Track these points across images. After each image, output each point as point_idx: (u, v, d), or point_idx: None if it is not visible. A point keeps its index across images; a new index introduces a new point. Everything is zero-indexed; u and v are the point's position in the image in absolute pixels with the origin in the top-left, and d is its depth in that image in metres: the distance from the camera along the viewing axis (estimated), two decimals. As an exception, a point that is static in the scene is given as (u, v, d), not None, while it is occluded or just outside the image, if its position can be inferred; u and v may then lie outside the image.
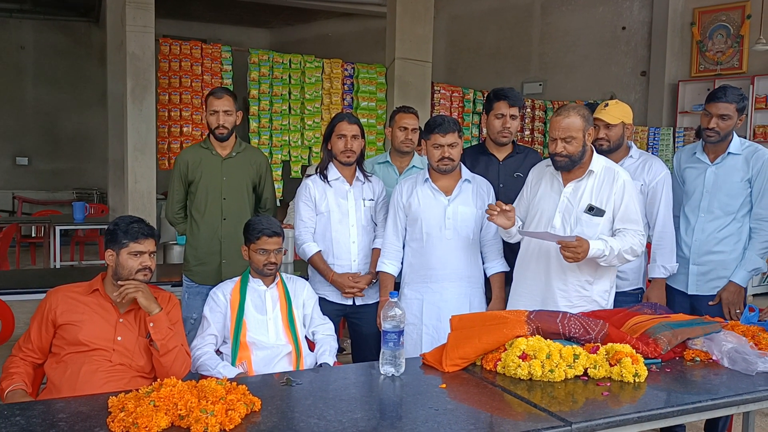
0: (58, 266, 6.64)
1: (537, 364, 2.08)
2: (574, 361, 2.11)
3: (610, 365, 2.12)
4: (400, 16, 6.89)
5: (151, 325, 2.39)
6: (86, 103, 10.40)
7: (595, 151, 2.78)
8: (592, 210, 2.69)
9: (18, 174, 10.66)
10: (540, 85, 9.62)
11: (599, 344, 2.22)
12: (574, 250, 2.55)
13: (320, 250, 3.14)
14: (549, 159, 2.80)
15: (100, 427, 1.69)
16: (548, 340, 2.19)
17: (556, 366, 2.08)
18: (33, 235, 8.32)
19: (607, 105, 3.06)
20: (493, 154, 3.25)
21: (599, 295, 2.74)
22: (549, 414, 1.85)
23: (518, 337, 2.21)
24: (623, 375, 2.08)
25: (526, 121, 8.57)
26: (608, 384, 2.07)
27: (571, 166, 2.70)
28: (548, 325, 2.27)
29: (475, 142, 7.61)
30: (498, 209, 2.68)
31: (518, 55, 9.78)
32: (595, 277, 2.72)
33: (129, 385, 2.31)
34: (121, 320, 2.45)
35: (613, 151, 3.10)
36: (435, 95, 7.62)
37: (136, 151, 5.99)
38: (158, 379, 1.96)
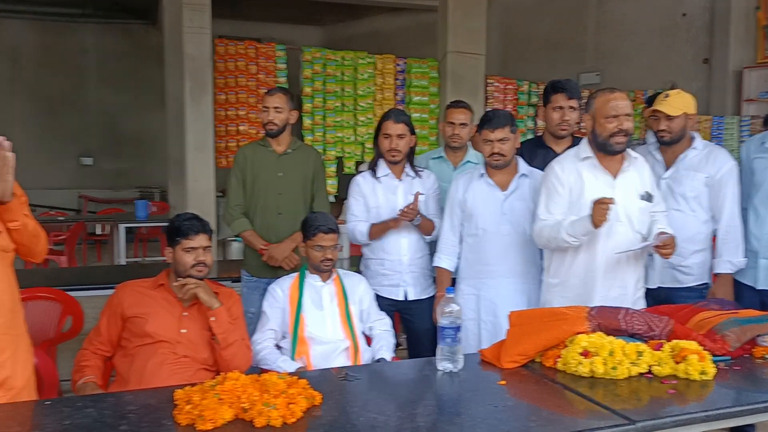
0: (122, 263, 6.87)
1: (599, 361, 2.04)
2: (637, 359, 2.06)
3: (676, 362, 2.06)
4: (452, 9, 6.83)
5: (212, 319, 2.46)
6: (146, 103, 10.71)
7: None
8: (646, 197, 2.68)
9: (83, 174, 11.07)
10: (597, 75, 9.37)
11: (664, 341, 2.16)
12: (673, 245, 2.57)
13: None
14: (576, 151, 2.74)
15: (167, 419, 1.74)
16: (610, 336, 2.14)
17: (619, 363, 2.04)
18: (98, 232, 8.63)
19: (667, 96, 2.96)
20: (550, 147, 3.20)
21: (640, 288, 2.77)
22: (612, 412, 1.81)
23: (579, 333, 2.17)
24: (689, 372, 2.02)
25: (584, 112, 8.37)
26: (674, 382, 2.01)
27: (627, 146, 2.66)
28: (610, 321, 2.22)
29: (530, 135, 7.50)
30: (609, 204, 2.49)
31: (573, 44, 9.56)
32: (639, 274, 2.74)
33: (193, 377, 2.39)
34: (185, 314, 2.53)
35: (675, 142, 3.01)
36: (488, 88, 7.53)
37: (195, 150, 6.14)
38: (221, 372, 2.01)
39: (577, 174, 2.69)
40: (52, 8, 10.18)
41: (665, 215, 2.76)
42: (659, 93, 3.06)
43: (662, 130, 2.99)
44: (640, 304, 2.74)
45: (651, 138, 3.19)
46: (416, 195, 3.03)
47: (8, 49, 10.56)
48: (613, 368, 2.03)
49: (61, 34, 10.79)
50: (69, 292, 3.37)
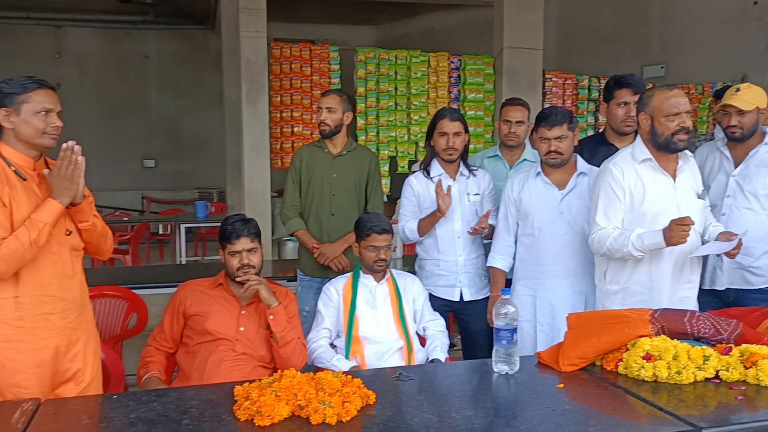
0: (183, 262, 7.07)
1: (662, 366, 1.97)
2: (703, 363, 1.98)
3: (745, 368, 1.97)
4: (507, 3, 6.73)
5: (271, 317, 2.50)
6: (204, 107, 11.00)
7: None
8: (702, 195, 2.63)
9: (146, 176, 11.46)
10: (662, 68, 9.07)
11: (732, 345, 2.07)
12: (740, 246, 2.52)
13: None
14: (632, 153, 2.63)
15: (227, 414, 1.78)
16: (674, 340, 2.07)
17: (684, 368, 1.96)
18: (160, 232, 8.92)
19: (738, 90, 2.84)
20: (613, 144, 3.11)
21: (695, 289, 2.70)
22: (676, 417, 1.74)
23: (641, 336, 2.10)
24: (760, 378, 1.92)
25: (646, 107, 8.11)
26: (743, 388, 1.93)
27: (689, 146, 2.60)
28: (675, 324, 2.14)
29: (590, 131, 7.31)
30: (688, 227, 2.40)
31: (636, 36, 9.27)
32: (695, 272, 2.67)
33: (251, 374, 2.44)
34: (243, 312, 2.59)
35: (747, 138, 2.89)
36: (546, 83, 7.38)
37: (251, 151, 6.25)
38: (278, 370, 2.04)
39: (636, 177, 2.59)
40: (115, 16, 10.58)
41: (709, 211, 2.73)
42: (728, 86, 2.94)
43: (733, 126, 2.87)
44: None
45: (719, 133, 3.07)
46: (448, 188, 3.02)
47: (75, 57, 11.03)
48: (678, 373, 1.96)
49: (124, 40, 11.20)
50: (133, 290, 3.50)
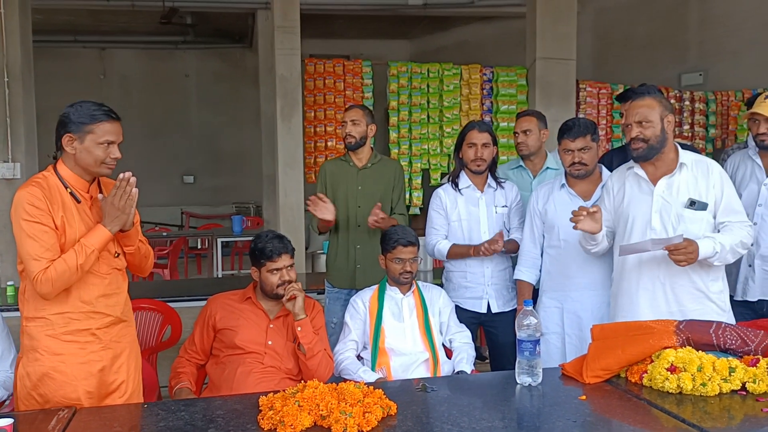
0: (220, 275, 7.21)
1: (687, 377, 1.95)
2: (729, 375, 1.95)
3: (773, 380, 1.94)
4: (540, 14, 6.73)
5: (299, 329, 2.54)
6: (242, 123, 11.22)
7: (680, 147, 2.56)
8: (694, 204, 2.47)
9: (185, 191, 11.74)
10: (700, 75, 8.89)
11: (760, 357, 2.03)
12: (684, 251, 2.33)
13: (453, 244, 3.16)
14: (631, 162, 2.61)
15: (251, 423, 1.83)
16: (700, 351, 2.04)
17: (709, 379, 1.94)
18: (199, 246, 9.11)
19: (767, 97, 2.80)
20: None
21: (717, 301, 2.50)
22: (700, 430, 1.72)
23: (666, 348, 2.08)
24: (789, 391, 1.89)
25: (685, 114, 7.96)
26: (771, 400, 1.89)
27: (648, 155, 2.49)
28: (700, 335, 2.11)
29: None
30: (584, 212, 2.49)
31: (674, 44, 9.12)
32: (708, 281, 2.49)
33: (279, 385, 2.48)
34: (271, 326, 2.64)
35: (776, 146, 2.84)
36: (580, 93, 7.32)
37: (286, 166, 6.36)
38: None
39: (622, 183, 2.62)
40: (157, 37, 10.91)
41: (743, 225, 2.47)
42: (762, 93, 2.89)
43: (762, 134, 2.83)
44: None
45: (751, 142, 3.02)
46: (500, 234, 3.01)
47: (118, 77, 11.41)
48: (703, 384, 1.93)
49: (164, 60, 11.55)
50: (170, 303, 3.60)
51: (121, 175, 2.12)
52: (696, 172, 2.52)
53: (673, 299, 2.49)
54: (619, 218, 2.62)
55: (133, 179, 2.13)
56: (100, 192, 2.23)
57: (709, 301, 2.49)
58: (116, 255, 2.25)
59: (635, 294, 2.54)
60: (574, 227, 2.53)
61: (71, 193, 2.16)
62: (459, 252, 3.14)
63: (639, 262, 2.53)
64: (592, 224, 2.52)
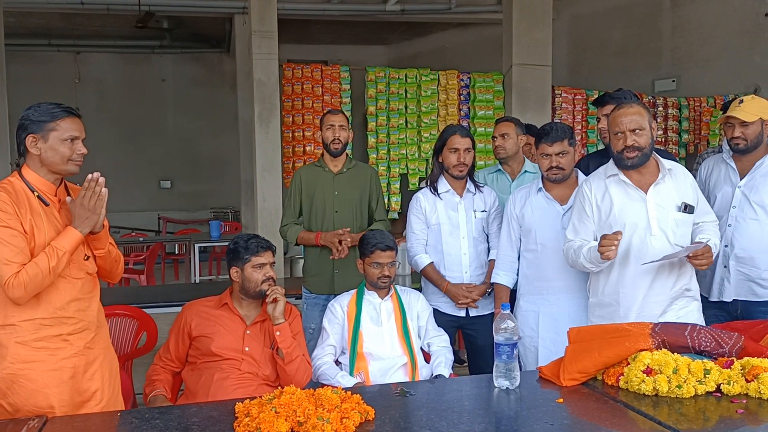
0: (197, 281, 7.14)
1: (663, 380, 1.96)
2: (704, 377, 1.97)
3: (747, 381, 1.96)
4: (517, 21, 6.78)
5: (278, 333, 2.52)
6: (220, 128, 11.15)
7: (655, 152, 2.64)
8: (686, 208, 2.55)
9: (162, 196, 11.62)
10: (673, 81, 9.04)
11: (734, 358, 2.06)
12: (707, 256, 2.45)
13: (432, 262, 3.17)
14: (605, 168, 2.64)
15: (227, 430, 1.80)
16: (675, 354, 2.06)
17: (685, 381, 1.96)
18: (176, 252, 9.01)
19: (741, 101, 2.86)
20: None
21: (698, 298, 2.65)
22: (676, 432, 1.74)
23: (642, 350, 2.09)
24: (761, 391, 1.91)
25: (659, 120, 8.08)
26: (744, 401, 1.91)
27: (642, 162, 2.53)
28: (675, 338, 2.13)
29: (601, 146, 7.29)
30: (616, 242, 2.40)
31: (648, 50, 9.26)
32: (691, 281, 2.61)
33: (257, 392, 2.44)
34: (248, 332, 2.61)
35: (751, 150, 2.90)
36: (556, 99, 7.40)
37: (264, 171, 6.33)
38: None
39: (605, 191, 2.61)
40: (133, 41, 10.81)
41: (715, 225, 2.64)
42: (734, 99, 2.95)
43: (737, 137, 2.88)
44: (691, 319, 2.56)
45: (726, 146, 3.07)
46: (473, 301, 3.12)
47: (94, 81, 11.27)
48: (678, 386, 1.95)
49: (141, 64, 11.43)
50: (146, 309, 3.54)
51: (89, 176, 2.10)
52: (675, 177, 2.60)
53: (671, 305, 2.58)
54: (609, 227, 2.55)
55: (102, 179, 2.11)
56: (68, 195, 2.20)
57: (694, 300, 2.62)
58: (86, 258, 2.21)
59: (641, 306, 2.56)
60: (602, 257, 2.43)
61: (38, 197, 2.13)
62: (432, 278, 3.16)
63: (652, 274, 2.54)
64: (616, 252, 2.45)
